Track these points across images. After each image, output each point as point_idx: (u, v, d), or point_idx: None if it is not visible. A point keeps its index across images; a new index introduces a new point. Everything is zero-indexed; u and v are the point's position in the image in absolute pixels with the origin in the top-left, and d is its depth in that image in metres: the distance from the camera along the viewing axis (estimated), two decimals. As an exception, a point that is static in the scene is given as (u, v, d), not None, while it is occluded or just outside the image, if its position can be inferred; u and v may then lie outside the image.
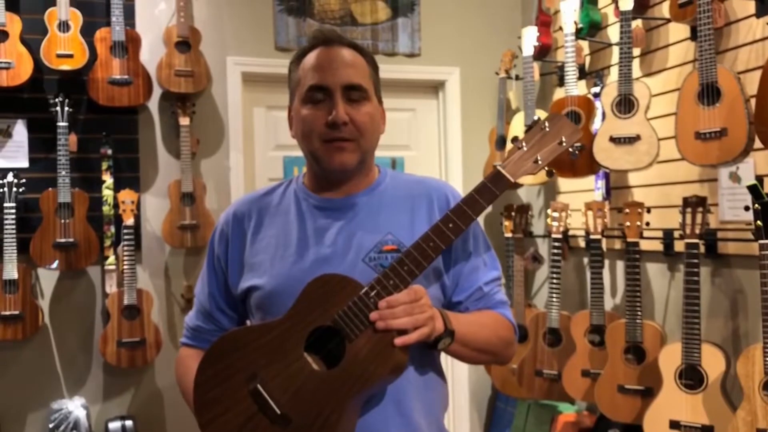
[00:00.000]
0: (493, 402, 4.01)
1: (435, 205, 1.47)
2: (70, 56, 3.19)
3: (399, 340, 1.22)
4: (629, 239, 2.65)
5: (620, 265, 3.24)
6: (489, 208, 2.21)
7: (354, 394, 1.21)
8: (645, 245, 2.78)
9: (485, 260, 1.51)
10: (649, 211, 2.66)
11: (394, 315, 1.23)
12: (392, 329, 1.22)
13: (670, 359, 2.39)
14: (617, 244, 3.17)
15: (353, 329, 1.24)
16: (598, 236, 2.88)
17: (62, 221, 3.16)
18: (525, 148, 1.33)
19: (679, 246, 2.79)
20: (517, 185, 3.56)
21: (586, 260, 3.53)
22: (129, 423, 3.27)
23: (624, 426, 2.87)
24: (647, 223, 2.65)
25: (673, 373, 2.38)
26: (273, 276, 1.41)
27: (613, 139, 2.64)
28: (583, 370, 2.90)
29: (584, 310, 2.97)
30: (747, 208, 2.14)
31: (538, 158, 1.32)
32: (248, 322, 1.54)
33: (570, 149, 1.34)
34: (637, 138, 2.61)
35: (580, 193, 3.40)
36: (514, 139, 1.34)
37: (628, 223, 2.65)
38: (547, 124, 1.34)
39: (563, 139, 1.31)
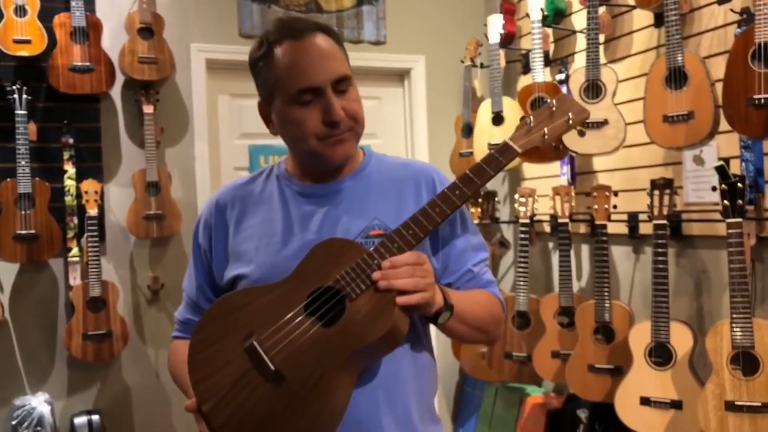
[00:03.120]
0: (461, 387, 4.06)
1: (422, 188, 1.47)
2: (28, 42, 3.10)
3: (401, 299, 1.22)
4: (597, 221, 2.71)
5: (585, 248, 3.31)
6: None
7: (350, 353, 1.20)
8: (610, 228, 2.84)
9: (473, 242, 1.52)
10: (616, 194, 2.72)
11: (397, 275, 1.23)
12: (394, 288, 1.22)
13: (639, 337, 2.46)
14: (582, 228, 3.24)
15: (354, 289, 1.24)
16: (566, 220, 2.93)
17: (22, 212, 3.07)
18: (532, 124, 1.35)
19: (644, 229, 2.87)
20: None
21: (551, 245, 3.59)
22: (96, 418, 3.21)
23: (593, 405, 2.95)
24: (614, 206, 2.71)
25: (643, 351, 2.44)
26: (259, 264, 1.40)
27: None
28: (553, 351, 2.96)
29: (552, 293, 3.03)
30: (714, 189, 2.21)
31: (545, 132, 1.34)
32: None
33: (577, 128, 1.37)
34: (605, 123, 2.66)
35: (544, 179, 3.46)
36: (522, 118, 1.36)
37: (596, 206, 2.71)
38: (555, 102, 1.37)
39: (570, 117, 1.34)
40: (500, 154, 1.35)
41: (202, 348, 1.27)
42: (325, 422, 1.20)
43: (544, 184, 3.35)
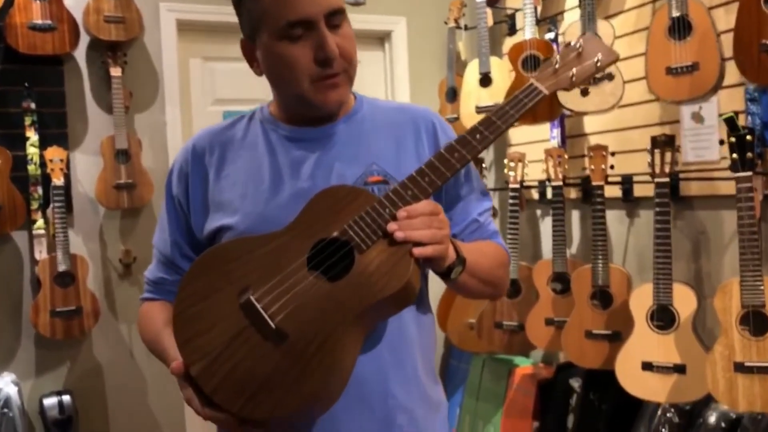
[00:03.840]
0: (446, 360, 3.97)
1: (422, 132, 1.35)
2: (-16, -1, 2.88)
3: (417, 251, 1.10)
4: (594, 182, 2.61)
5: (575, 215, 3.21)
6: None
7: (360, 311, 1.08)
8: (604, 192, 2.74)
9: (478, 191, 1.42)
10: (613, 154, 2.62)
11: (413, 225, 1.11)
12: (412, 241, 1.10)
13: (641, 301, 2.37)
14: (573, 193, 3.14)
15: (364, 240, 1.11)
16: (560, 182, 2.83)
17: (-18, 181, 2.87)
18: (558, 65, 1.25)
19: (638, 191, 2.78)
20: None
21: (539, 212, 3.50)
22: (66, 398, 3.04)
23: (587, 373, 2.86)
24: (611, 166, 2.61)
25: (645, 315, 2.36)
26: (246, 214, 1.27)
27: (577, 80, 2.57)
28: (547, 318, 2.87)
29: (545, 259, 2.93)
30: (722, 142, 2.12)
31: (573, 74, 1.23)
32: None
33: (601, 73, 1.28)
34: (602, 79, 2.55)
35: (533, 144, 3.35)
36: (544, 60, 1.25)
37: (592, 167, 2.61)
38: (581, 42, 1.27)
39: (599, 59, 1.24)
40: (525, 96, 1.23)
41: (190, 303, 1.13)
42: (332, 385, 1.08)
43: (532, 150, 3.24)
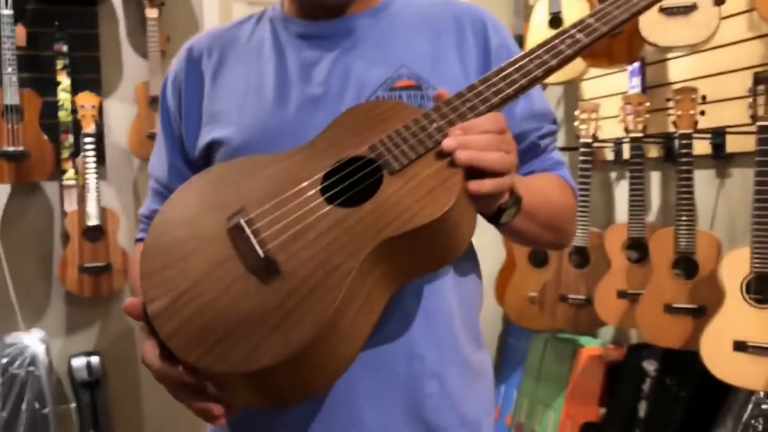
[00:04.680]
0: (503, 338, 3.64)
1: (468, 33, 1.07)
2: (13, -69, 2.70)
3: (474, 185, 0.82)
4: (681, 130, 2.23)
5: (655, 176, 2.83)
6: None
7: (379, 245, 0.79)
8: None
9: (538, 106, 1.12)
10: (704, 98, 2.24)
11: (474, 144, 0.83)
12: (477, 165, 0.82)
13: (734, 269, 2.00)
14: (652, 152, 2.76)
15: (398, 157, 0.84)
16: (640, 134, 2.45)
17: (9, 126, 2.70)
18: None
19: (732, 145, 2.39)
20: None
21: (613, 175, 3.12)
22: (95, 360, 2.88)
23: (664, 355, 2.51)
24: (702, 113, 2.23)
25: (739, 285, 1.99)
26: (243, 126, 1.03)
27: (664, 10, 2.20)
28: (619, 290, 2.51)
29: (620, 222, 2.57)
30: None
31: None
32: None
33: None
34: (693, 7, 2.17)
35: (607, 99, 2.96)
36: None
37: (679, 113, 2.23)
38: None
39: None
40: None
41: (165, 231, 0.86)
42: (332, 343, 0.78)
43: (606, 105, 2.86)
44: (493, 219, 0.92)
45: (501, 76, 0.89)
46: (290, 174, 0.87)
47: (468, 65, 1.05)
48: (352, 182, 0.85)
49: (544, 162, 1.12)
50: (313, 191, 0.84)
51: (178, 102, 1.11)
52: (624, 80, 2.86)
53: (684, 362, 2.42)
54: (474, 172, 0.82)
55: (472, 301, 1.09)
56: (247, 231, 0.82)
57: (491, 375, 1.13)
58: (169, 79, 1.14)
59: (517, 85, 0.88)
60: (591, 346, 3.05)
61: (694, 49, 2.26)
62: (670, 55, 2.59)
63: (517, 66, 0.89)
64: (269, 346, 0.75)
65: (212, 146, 1.06)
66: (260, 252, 0.80)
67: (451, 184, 0.81)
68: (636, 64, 2.69)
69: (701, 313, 2.19)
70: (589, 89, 3.17)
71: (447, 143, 0.82)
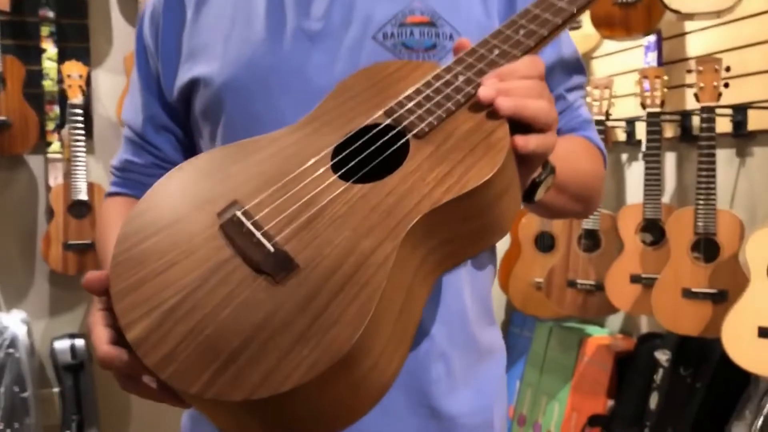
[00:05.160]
0: (506, 327, 3.52)
1: None
2: None
3: (520, 140, 0.68)
4: (703, 103, 2.09)
5: (670, 157, 2.70)
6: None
7: (416, 221, 0.63)
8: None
9: (567, 56, 0.98)
10: (728, 69, 2.10)
11: (515, 90, 0.69)
12: (521, 116, 0.68)
13: (761, 249, 1.87)
14: (668, 132, 2.62)
15: (424, 118, 0.70)
16: (657, 109, 2.32)
17: (-9, 94, 2.57)
18: None
19: (754, 122, 2.25)
20: None
21: (625, 156, 2.98)
22: (80, 342, 2.75)
23: (679, 344, 2.38)
24: (725, 85, 2.10)
25: (766, 268, 1.86)
26: (228, 62, 0.89)
27: (687, -26, 2.07)
28: (633, 275, 2.37)
29: (635, 203, 2.43)
30: None
31: None
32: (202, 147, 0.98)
33: None
34: (717, -27, 2.03)
35: (620, 77, 2.83)
36: None
37: (701, 84, 2.09)
38: None
39: None
40: None
41: (138, 240, 0.68)
42: (376, 340, 0.61)
43: (619, 83, 2.73)
44: (525, 195, 0.78)
45: (529, 17, 0.75)
46: (289, 155, 0.72)
47: (490, 6, 0.91)
48: (369, 155, 0.70)
49: (572, 120, 0.99)
50: (322, 170, 0.69)
51: (155, 37, 0.97)
52: (638, 56, 2.71)
53: (700, 352, 2.30)
54: (515, 126, 0.68)
55: (485, 272, 0.97)
56: (247, 224, 0.66)
57: (503, 352, 1.01)
58: (146, 13, 1.00)
59: (550, 24, 0.74)
60: (598, 335, 2.93)
61: (718, 17, 2.12)
62: (688, 28, 2.45)
63: (545, 4, 0.76)
64: (298, 360, 0.57)
65: (192, 86, 0.92)
66: (269, 247, 0.64)
67: (496, 139, 0.66)
68: (652, 39, 2.56)
69: (722, 298, 2.06)
70: (600, 67, 3.03)
71: (484, 92, 0.69)
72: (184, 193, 0.72)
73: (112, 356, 0.65)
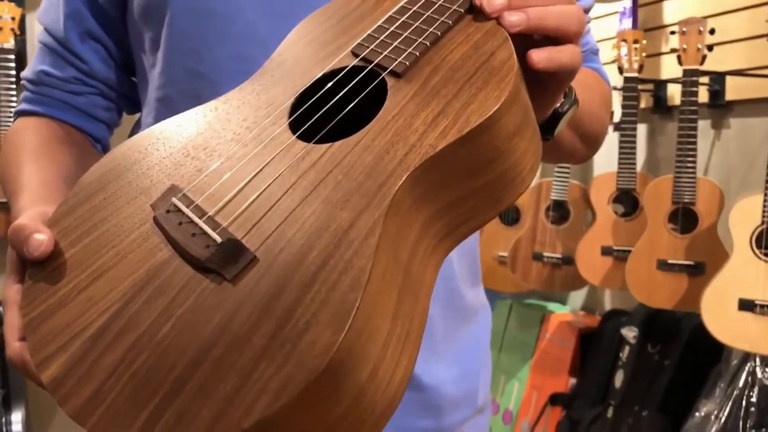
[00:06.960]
0: (465, 305, 3.43)
1: None
2: None
3: (537, 54, 0.53)
4: (686, 66, 2.00)
5: (642, 129, 2.61)
6: None
7: (411, 168, 0.48)
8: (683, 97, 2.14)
9: None
10: (712, 31, 2.01)
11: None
12: (538, 27, 0.54)
13: (743, 219, 1.79)
14: (642, 102, 2.54)
15: (403, 50, 0.55)
16: (635, 74, 2.22)
17: None
18: None
19: (732, 92, 2.18)
20: None
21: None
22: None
23: (647, 320, 2.30)
24: (709, 48, 2.01)
25: (749, 238, 1.78)
26: None
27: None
28: (604, 247, 2.29)
29: (608, 171, 2.34)
30: None
31: None
32: (146, 68, 0.80)
33: None
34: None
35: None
36: None
37: (684, 46, 2.00)
38: None
39: None
40: None
41: (66, 245, 0.52)
42: (369, 338, 0.44)
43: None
44: (548, 125, 0.63)
45: None
46: (237, 120, 0.56)
47: None
48: (336, 106, 0.55)
49: (582, 48, 0.86)
50: (277, 131, 0.54)
51: None
52: (613, 24, 2.62)
53: (668, 328, 2.23)
54: (526, 40, 0.54)
55: (474, 246, 0.88)
56: (186, 211, 0.50)
57: (488, 314, 0.90)
58: None
59: None
60: (561, 312, 2.85)
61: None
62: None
63: None
64: (262, 383, 0.42)
65: None
66: (213, 235, 0.48)
67: (500, 61, 0.51)
68: (627, 4, 2.46)
69: (698, 270, 1.99)
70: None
71: (488, 2, 0.53)
72: (106, 186, 0.55)
73: (26, 362, 0.49)
